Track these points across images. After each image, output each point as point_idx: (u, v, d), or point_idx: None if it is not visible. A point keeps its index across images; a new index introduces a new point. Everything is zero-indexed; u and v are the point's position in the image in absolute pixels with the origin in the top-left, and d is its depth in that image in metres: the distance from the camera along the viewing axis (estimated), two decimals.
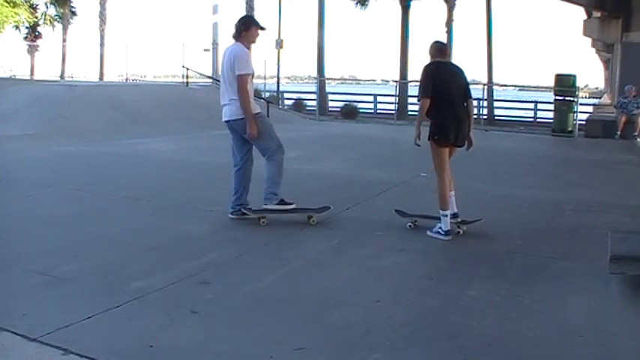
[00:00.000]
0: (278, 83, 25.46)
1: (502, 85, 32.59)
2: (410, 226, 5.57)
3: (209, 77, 19.97)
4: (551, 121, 18.11)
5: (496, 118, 26.98)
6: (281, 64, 24.88)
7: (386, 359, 3.04)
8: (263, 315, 3.56)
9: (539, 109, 27.01)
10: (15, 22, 30.07)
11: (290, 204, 5.64)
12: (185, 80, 19.25)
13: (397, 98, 21.84)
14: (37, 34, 35.46)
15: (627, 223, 6.05)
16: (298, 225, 5.57)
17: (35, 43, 34.18)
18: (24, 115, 12.04)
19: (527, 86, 36.76)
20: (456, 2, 31.38)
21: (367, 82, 53.28)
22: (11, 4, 27.43)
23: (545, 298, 3.93)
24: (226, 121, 5.67)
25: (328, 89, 31.25)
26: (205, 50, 21.47)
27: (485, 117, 24.26)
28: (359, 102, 26.57)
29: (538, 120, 26.06)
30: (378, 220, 5.88)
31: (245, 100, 5.44)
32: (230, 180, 5.80)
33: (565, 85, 16.34)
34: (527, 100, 29.61)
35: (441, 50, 5.54)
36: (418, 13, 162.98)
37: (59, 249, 4.70)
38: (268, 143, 5.62)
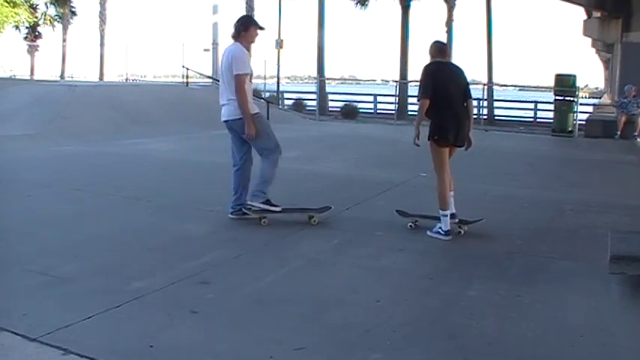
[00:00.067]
0: (278, 83, 25.46)
1: (502, 85, 32.60)
2: (411, 226, 5.57)
3: (209, 77, 19.97)
4: (551, 121, 18.11)
5: (496, 118, 26.98)
6: (281, 64, 24.91)
7: (386, 359, 3.04)
8: (263, 315, 3.56)
9: (539, 109, 27.00)
10: (15, 22, 30.10)
11: (276, 206, 5.59)
12: (185, 80, 19.25)
13: (397, 98, 21.84)
14: (37, 34, 35.48)
15: (627, 223, 6.05)
16: (298, 225, 5.57)
17: (35, 43, 34.19)
18: (24, 115, 12.04)
19: (527, 86, 36.78)
20: (456, 2, 31.40)
21: (367, 82, 53.27)
22: (11, 4, 27.45)
23: (545, 298, 3.93)
24: (225, 121, 5.67)
25: (328, 89, 31.25)
26: (205, 50, 21.47)
27: (485, 117, 24.26)
28: (359, 102, 26.56)
29: (538, 120, 26.05)
30: (378, 220, 5.88)
31: (243, 99, 5.44)
32: (230, 180, 5.80)
33: (565, 85, 16.34)
34: (527, 100, 29.60)
35: (441, 50, 5.54)
36: (418, 13, 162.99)
37: (59, 249, 4.70)
38: (266, 143, 5.61)
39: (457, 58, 30.48)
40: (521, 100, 30.72)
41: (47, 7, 35.63)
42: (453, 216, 5.33)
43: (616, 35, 21.89)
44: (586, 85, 58.15)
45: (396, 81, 24.46)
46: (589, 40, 30.73)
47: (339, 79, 49.20)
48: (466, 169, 7.42)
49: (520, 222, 6.04)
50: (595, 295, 4.06)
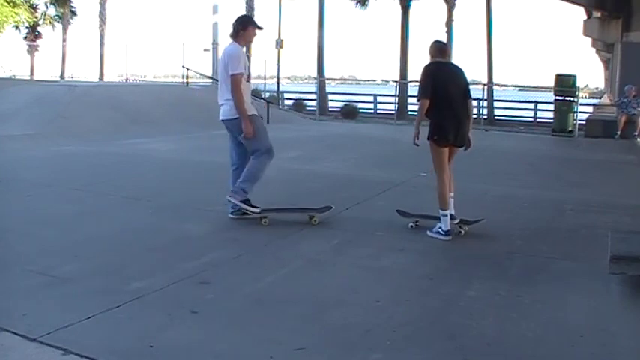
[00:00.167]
0: (278, 83, 25.48)
1: (502, 85, 32.61)
2: (411, 226, 5.57)
3: (209, 77, 19.96)
4: (551, 121, 18.11)
5: (496, 118, 26.99)
6: (281, 64, 24.95)
7: (386, 359, 3.04)
8: (263, 315, 3.56)
9: (539, 109, 27.02)
10: (15, 22, 30.14)
11: (255, 207, 5.56)
12: (185, 80, 19.25)
13: (397, 98, 21.84)
14: (37, 34, 35.49)
15: (627, 223, 6.05)
16: (298, 225, 5.57)
17: (35, 43, 34.20)
18: (24, 115, 12.04)
19: (527, 86, 36.79)
20: (456, 2, 31.42)
21: (367, 82, 53.24)
22: (11, 4, 27.47)
23: (545, 298, 3.94)
24: (222, 121, 5.67)
25: (328, 89, 31.26)
26: (205, 50, 21.45)
27: (485, 117, 24.27)
28: (359, 102, 26.58)
29: (538, 120, 26.06)
30: (378, 220, 5.88)
31: (238, 99, 5.42)
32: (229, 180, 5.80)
33: (565, 85, 16.34)
34: (527, 100, 29.61)
35: (441, 50, 5.54)
36: (418, 13, 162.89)
37: (59, 249, 4.70)
38: (258, 145, 5.57)
39: (457, 58, 30.54)
40: (521, 100, 30.72)
41: (47, 7, 35.72)
42: (452, 217, 5.33)
43: (616, 35, 21.89)
44: (586, 85, 58.14)
45: (396, 81, 24.46)
46: (589, 40, 30.74)
47: (339, 79, 49.22)
48: (466, 169, 7.42)
49: (520, 222, 6.04)
50: (595, 295, 4.06)
